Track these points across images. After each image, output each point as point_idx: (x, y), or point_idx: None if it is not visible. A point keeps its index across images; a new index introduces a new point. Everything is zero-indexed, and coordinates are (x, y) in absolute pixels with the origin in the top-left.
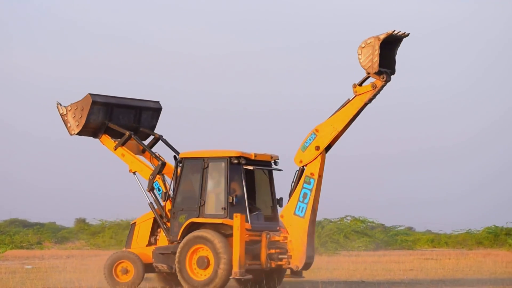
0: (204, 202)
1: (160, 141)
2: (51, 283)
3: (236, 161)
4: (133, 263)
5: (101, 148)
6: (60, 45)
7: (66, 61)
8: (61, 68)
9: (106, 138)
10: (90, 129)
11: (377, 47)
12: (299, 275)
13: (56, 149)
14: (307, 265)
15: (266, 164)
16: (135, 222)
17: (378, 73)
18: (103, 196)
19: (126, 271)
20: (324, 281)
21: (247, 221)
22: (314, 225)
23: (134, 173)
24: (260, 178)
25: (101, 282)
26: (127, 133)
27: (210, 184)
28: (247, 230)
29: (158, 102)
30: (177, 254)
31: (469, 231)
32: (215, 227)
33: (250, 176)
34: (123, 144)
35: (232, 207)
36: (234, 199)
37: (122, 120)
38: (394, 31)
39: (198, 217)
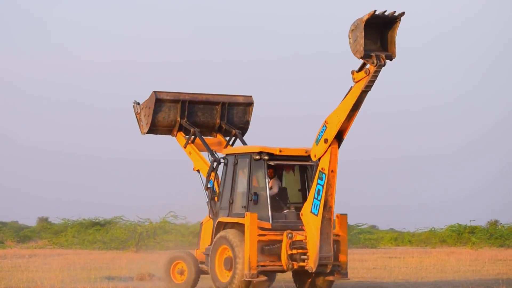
0: (233, 201)
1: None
2: (13, 283)
3: (257, 157)
4: (187, 264)
5: (62, 148)
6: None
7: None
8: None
9: (180, 135)
10: (162, 127)
11: (362, 28)
12: (343, 275)
13: (19, 148)
14: (322, 267)
15: (298, 159)
16: (203, 222)
17: (367, 57)
18: (65, 195)
19: (182, 272)
20: (287, 280)
21: (268, 220)
22: (330, 223)
23: (197, 171)
24: (299, 173)
25: (63, 282)
26: (192, 130)
27: (238, 181)
28: (267, 229)
29: (250, 96)
30: (210, 255)
31: (433, 229)
32: (238, 226)
33: (289, 172)
34: (193, 141)
35: (256, 205)
36: (253, 197)
37: (202, 117)
38: (375, 10)
39: (228, 216)
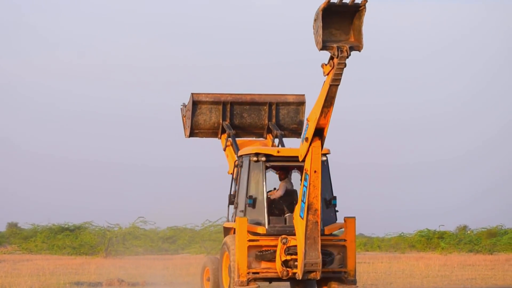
0: (238, 204)
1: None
2: None
3: (255, 158)
4: (211, 270)
5: (33, 151)
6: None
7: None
8: None
9: (223, 138)
10: (204, 130)
11: (320, 18)
12: (351, 283)
13: None
14: (308, 274)
15: (297, 160)
16: None
17: (326, 49)
18: (35, 200)
19: (209, 279)
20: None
21: (263, 224)
22: (317, 227)
23: (231, 174)
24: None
25: (33, 287)
26: (227, 132)
27: (241, 184)
28: (261, 234)
29: (302, 95)
30: (219, 261)
31: (402, 234)
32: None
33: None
34: (231, 144)
35: (254, 209)
36: (248, 200)
37: (248, 118)
38: None
39: (233, 220)
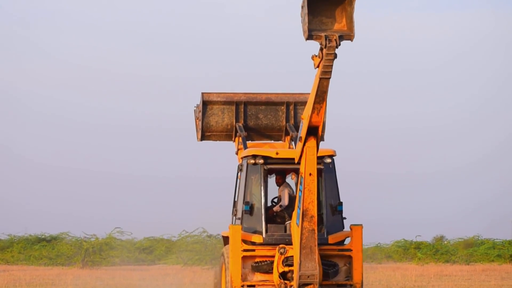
0: (236, 212)
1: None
2: None
3: (252, 161)
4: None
5: (9, 157)
6: None
7: None
8: None
9: (236, 141)
10: (216, 133)
11: (305, 4)
12: None
13: None
14: (304, 287)
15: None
16: None
17: (312, 38)
18: (12, 210)
19: None
20: None
21: (260, 232)
22: (314, 235)
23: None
24: (323, 179)
25: None
26: (238, 134)
27: (240, 189)
28: (258, 244)
29: None
30: (215, 272)
31: (379, 244)
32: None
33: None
34: (244, 147)
35: (251, 216)
36: (244, 207)
37: (264, 119)
38: None
39: None
